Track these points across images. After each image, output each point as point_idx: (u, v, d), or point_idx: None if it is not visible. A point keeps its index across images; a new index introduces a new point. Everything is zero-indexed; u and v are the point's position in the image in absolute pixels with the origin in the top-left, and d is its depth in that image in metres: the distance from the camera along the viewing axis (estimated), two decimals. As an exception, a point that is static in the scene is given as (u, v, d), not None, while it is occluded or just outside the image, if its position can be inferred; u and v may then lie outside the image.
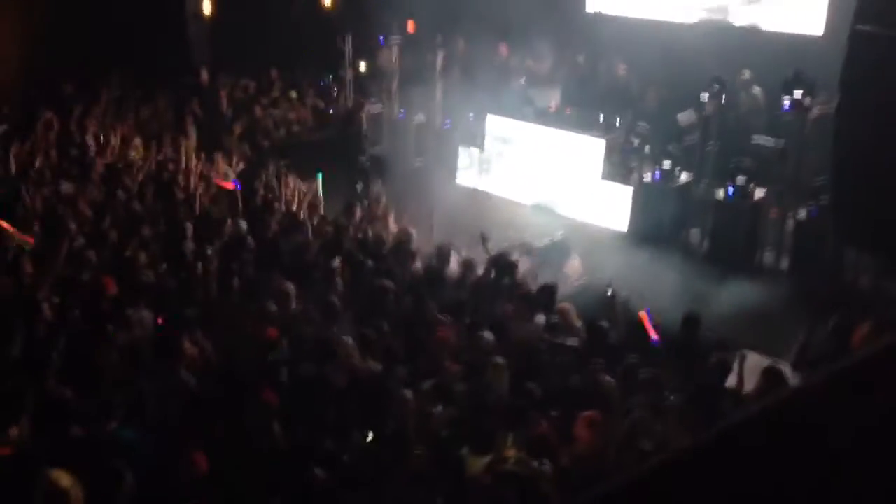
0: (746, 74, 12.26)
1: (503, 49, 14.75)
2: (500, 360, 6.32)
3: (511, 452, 5.26)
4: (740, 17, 13.08)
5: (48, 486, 4.41)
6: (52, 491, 4.40)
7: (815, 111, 10.63)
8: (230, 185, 10.25)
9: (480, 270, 8.40)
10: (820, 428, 1.52)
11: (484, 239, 8.75)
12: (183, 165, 11.04)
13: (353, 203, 10.13)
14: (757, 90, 12.16)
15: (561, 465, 5.26)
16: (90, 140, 11.82)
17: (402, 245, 8.81)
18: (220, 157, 11.55)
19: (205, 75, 14.38)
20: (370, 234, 9.28)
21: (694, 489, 1.48)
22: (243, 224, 9.00)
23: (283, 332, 6.77)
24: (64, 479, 4.49)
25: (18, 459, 4.81)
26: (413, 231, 9.16)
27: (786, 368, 6.83)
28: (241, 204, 9.86)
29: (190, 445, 5.02)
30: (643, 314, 7.41)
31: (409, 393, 5.77)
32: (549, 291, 8.01)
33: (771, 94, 11.48)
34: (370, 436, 5.40)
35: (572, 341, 7.07)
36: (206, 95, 14.14)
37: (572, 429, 5.55)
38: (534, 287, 8.24)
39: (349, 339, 6.50)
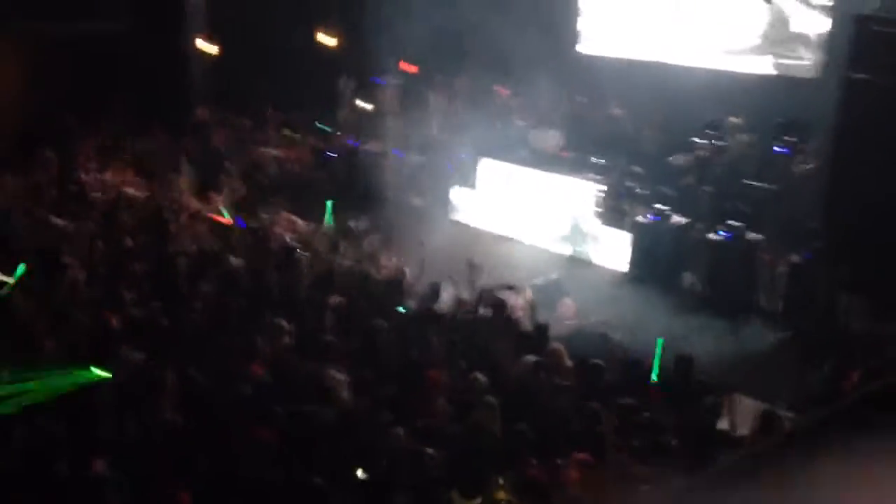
0: (736, 120, 12.35)
1: (502, 90, 14.82)
2: (491, 399, 6.27)
3: (502, 495, 5.20)
4: (735, 61, 13.23)
5: None
6: None
7: (801, 159, 10.69)
8: (229, 221, 10.30)
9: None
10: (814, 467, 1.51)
11: (472, 267, 8.71)
12: (178, 202, 11.06)
13: (338, 241, 10.11)
14: (745, 136, 12.23)
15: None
16: (88, 176, 11.86)
17: (395, 283, 8.80)
18: (215, 194, 11.57)
19: (205, 113, 14.41)
20: (362, 271, 9.24)
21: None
22: (235, 260, 8.99)
23: (273, 367, 6.73)
24: None
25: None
26: (406, 269, 9.15)
27: (781, 412, 6.80)
28: (236, 240, 9.86)
29: (175, 485, 4.97)
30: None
31: (400, 430, 5.73)
32: (541, 331, 7.99)
33: (764, 138, 11.56)
34: (360, 472, 5.36)
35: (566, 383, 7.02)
36: (206, 133, 14.20)
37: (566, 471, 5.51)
38: (529, 323, 8.23)
39: (341, 377, 6.46)
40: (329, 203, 11.16)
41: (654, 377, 7.47)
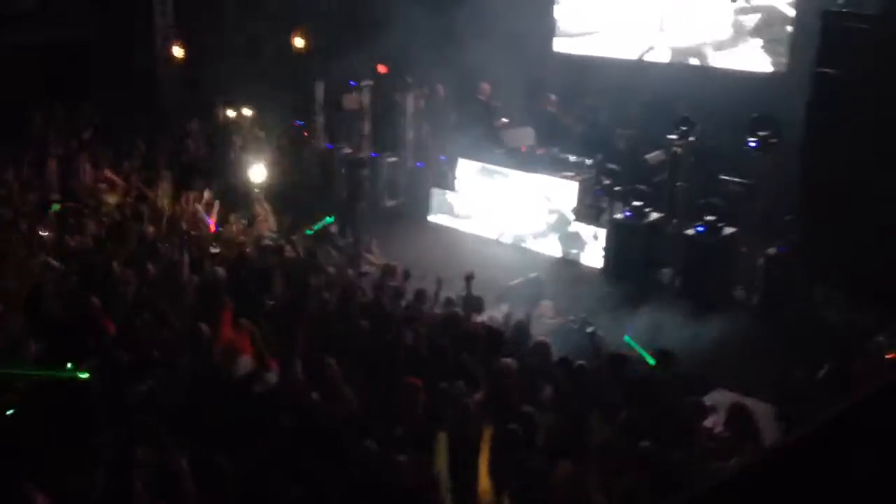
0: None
1: (486, 88, 14.66)
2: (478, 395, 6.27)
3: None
4: (706, 58, 13.33)
5: None
6: None
7: (774, 153, 10.79)
8: (211, 226, 10.29)
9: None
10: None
11: (468, 278, 8.73)
12: (155, 207, 11.00)
13: (317, 246, 10.07)
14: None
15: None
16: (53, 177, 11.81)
17: (385, 283, 8.79)
18: (190, 197, 11.49)
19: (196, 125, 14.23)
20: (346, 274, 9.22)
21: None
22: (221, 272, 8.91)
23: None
24: None
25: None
26: (395, 270, 9.13)
27: (758, 405, 6.87)
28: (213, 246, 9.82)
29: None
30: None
31: (372, 444, 5.70)
32: (521, 330, 7.97)
33: (737, 133, 11.66)
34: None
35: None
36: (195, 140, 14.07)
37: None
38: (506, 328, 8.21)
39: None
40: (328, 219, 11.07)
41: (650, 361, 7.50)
